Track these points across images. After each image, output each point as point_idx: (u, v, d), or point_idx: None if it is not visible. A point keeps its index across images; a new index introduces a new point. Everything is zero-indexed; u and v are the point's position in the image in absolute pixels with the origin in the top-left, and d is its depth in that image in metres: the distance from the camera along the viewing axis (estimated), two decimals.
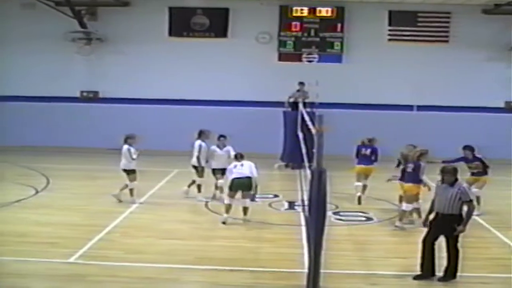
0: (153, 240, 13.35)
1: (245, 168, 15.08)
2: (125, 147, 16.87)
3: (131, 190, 16.99)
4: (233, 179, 15.04)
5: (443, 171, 11.03)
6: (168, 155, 24.97)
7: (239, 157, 15.55)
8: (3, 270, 10.99)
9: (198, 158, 17.46)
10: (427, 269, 10.86)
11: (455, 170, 10.98)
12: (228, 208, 15.00)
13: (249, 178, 15.02)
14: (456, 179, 10.87)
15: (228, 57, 27.93)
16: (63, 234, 13.43)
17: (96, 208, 16.33)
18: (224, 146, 17.45)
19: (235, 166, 15.21)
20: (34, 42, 27.82)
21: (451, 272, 10.76)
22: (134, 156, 16.80)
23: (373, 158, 17.84)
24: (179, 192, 17.96)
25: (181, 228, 14.51)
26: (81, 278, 10.68)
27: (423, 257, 10.91)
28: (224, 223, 14.81)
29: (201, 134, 17.66)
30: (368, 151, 17.90)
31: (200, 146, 17.45)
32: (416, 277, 10.89)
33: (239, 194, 15.26)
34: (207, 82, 27.89)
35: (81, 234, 13.40)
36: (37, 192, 18.27)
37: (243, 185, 15.01)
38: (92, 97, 28.86)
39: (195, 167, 17.62)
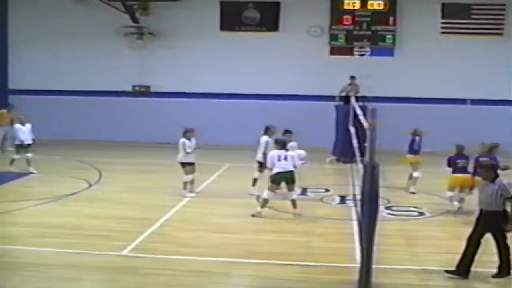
0: (204, 234, 13.38)
1: (289, 162, 14.94)
2: (181, 140, 16.82)
3: (184, 183, 17.00)
4: (276, 173, 14.95)
5: (480, 167, 10.82)
6: (219, 149, 25.01)
7: (281, 145, 15.23)
8: (57, 261, 11.16)
9: (264, 154, 16.94)
10: (464, 267, 10.57)
11: (492, 166, 10.74)
12: (264, 203, 14.89)
13: (292, 171, 14.95)
14: (497, 175, 10.64)
15: (279, 51, 27.93)
16: (116, 227, 13.58)
17: (148, 201, 16.45)
18: (290, 141, 16.48)
19: (279, 159, 14.96)
20: (86, 37, 28.28)
21: (504, 269, 10.54)
22: (188, 150, 16.75)
23: (413, 148, 18.19)
24: (230, 186, 17.88)
25: (232, 222, 14.52)
26: (133, 271, 10.77)
27: (464, 254, 10.68)
28: (253, 216, 14.72)
29: (267, 130, 17.28)
30: (409, 141, 18.22)
31: (266, 142, 17.00)
32: (448, 271, 10.65)
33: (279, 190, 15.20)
34: (258, 76, 27.97)
35: (133, 227, 13.53)
36: (90, 185, 18.49)
37: (287, 178, 14.93)
38: (144, 92, 29.13)
39: (260, 162, 17.26)
